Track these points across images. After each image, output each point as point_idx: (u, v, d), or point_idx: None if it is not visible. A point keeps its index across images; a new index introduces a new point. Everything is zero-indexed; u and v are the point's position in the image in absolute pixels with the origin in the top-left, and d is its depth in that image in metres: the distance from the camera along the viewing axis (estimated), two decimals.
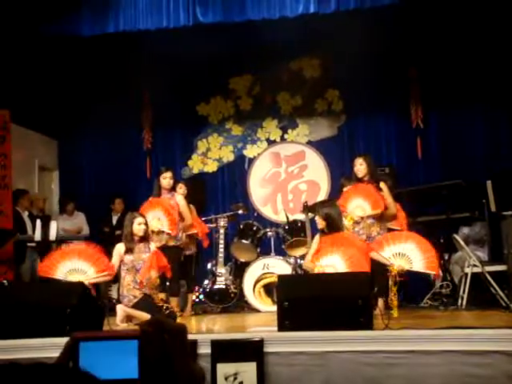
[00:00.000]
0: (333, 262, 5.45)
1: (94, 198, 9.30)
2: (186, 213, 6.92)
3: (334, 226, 5.71)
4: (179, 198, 6.95)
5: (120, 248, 5.95)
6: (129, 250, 5.92)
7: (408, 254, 5.56)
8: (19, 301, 4.46)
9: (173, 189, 6.98)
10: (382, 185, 6.35)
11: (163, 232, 6.60)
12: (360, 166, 6.36)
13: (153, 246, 6.07)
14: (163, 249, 6.54)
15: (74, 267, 5.47)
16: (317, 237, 5.97)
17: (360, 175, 6.36)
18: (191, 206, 7.50)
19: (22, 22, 7.12)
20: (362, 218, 6.18)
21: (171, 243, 6.70)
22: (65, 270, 5.44)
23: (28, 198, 8.25)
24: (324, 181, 9.14)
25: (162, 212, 6.65)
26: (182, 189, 7.36)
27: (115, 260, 5.86)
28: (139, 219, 6.01)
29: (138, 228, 5.95)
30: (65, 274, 5.43)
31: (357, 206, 6.19)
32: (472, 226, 7.35)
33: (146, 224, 6.06)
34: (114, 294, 7.94)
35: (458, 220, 7.25)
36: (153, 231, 6.48)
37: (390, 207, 6.32)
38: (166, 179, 6.89)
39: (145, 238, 6.01)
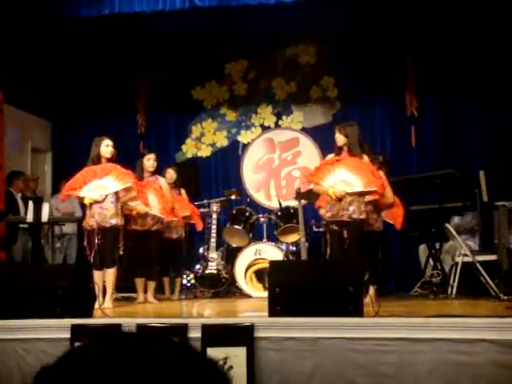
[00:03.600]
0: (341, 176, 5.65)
1: None
2: (168, 197, 6.82)
3: None
4: (162, 181, 6.87)
5: None
6: None
7: (346, 178, 5.65)
8: (10, 282, 4.45)
9: (156, 172, 6.88)
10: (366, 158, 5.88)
11: (147, 216, 6.49)
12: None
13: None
14: (146, 232, 6.52)
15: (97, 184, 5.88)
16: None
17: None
18: (182, 190, 7.49)
19: (18, 3, 7.06)
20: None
21: (155, 227, 6.61)
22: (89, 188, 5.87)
23: (23, 180, 8.25)
24: None
25: (153, 195, 6.59)
26: (169, 173, 7.34)
27: None
28: (106, 141, 6.08)
29: (105, 150, 6.05)
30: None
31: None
32: (464, 216, 7.38)
33: (114, 146, 6.10)
34: None
35: (450, 209, 7.27)
36: (138, 214, 6.41)
37: (387, 195, 6.19)
38: (149, 161, 6.78)
39: (111, 160, 6.06)
